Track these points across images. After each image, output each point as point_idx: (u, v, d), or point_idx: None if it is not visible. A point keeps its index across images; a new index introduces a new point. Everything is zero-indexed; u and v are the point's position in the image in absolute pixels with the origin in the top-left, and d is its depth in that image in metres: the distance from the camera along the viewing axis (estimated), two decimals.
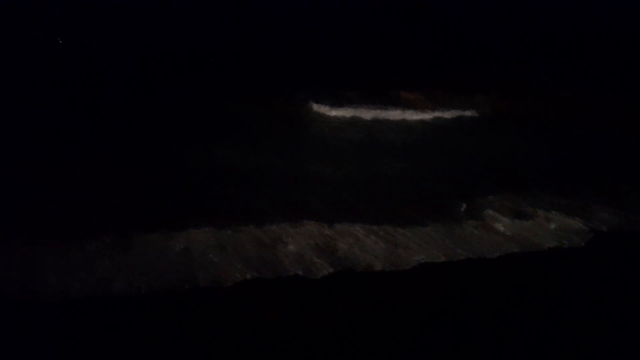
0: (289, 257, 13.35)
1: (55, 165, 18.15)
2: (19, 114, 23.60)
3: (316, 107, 25.23)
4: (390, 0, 58.46)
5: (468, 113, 25.91)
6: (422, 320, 11.57)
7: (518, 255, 14.20)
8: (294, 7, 51.94)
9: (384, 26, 48.15)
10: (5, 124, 22.27)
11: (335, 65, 32.63)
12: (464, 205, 16.46)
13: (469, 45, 42.33)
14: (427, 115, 25.33)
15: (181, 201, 16.17)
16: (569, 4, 58.45)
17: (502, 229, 15.32)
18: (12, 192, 16.27)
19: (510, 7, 56.54)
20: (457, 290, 12.69)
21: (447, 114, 25.63)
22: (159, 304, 11.65)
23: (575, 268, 13.94)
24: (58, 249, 13.23)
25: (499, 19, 52.93)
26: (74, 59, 31.21)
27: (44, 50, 32.07)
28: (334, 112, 24.88)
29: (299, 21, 47.13)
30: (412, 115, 25.18)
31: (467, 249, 14.17)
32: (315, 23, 47.28)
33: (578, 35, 48.19)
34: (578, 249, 14.65)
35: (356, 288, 12.45)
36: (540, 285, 13.07)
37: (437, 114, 25.58)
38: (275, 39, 39.72)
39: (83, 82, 28.25)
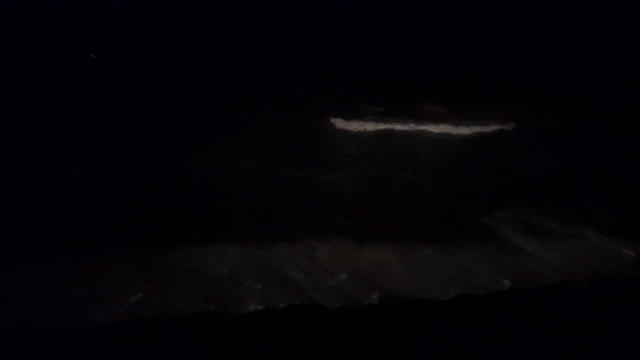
0: (325, 282, 12.54)
1: (68, 180, 17.63)
2: (19, 114, 23.23)
3: (338, 121, 24.53)
4: (392, 2, 58.13)
5: (490, 126, 25.33)
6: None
7: (560, 285, 13.08)
8: (304, 14, 51.44)
9: (396, 32, 47.75)
10: (5, 124, 21.90)
11: (353, 76, 31.67)
12: (497, 225, 15.71)
13: (469, 46, 42.16)
14: (450, 129, 24.80)
15: (203, 216, 15.54)
16: (569, 4, 58.31)
17: (541, 253, 14.29)
18: (18, 208, 15.75)
19: (510, 7, 56.37)
20: (499, 326, 11.79)
21: (469, 127, 25.07)
22: (182, 329, 11.02)
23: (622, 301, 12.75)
24: (76, 270, 12.57)
25: (499, 19, 52.76)
26: (74, 59, 30.70)
27: (44, 50, 31.52)
28: (357, 126, 24.32)
29: (313, 31, 46.61)
30: (435, 129, 24.70)
31: (507, 277, 13.15)
32: (327, 30, 46.77)
33: (578, 35, 48.11)
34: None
35: (403, 320, 11.63)
36: (592, 322, 12.09)
37: (459, 127, 25.01)
38: (290, 50, 39.00)
39: (83, 82, 27.87)
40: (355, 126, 24.33)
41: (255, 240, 14.08)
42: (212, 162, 19.44)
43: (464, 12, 55.18)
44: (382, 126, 24.47)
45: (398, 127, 24.52)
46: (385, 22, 49.07)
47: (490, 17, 54.11)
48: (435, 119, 25.47)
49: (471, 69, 34.94)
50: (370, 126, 24.39)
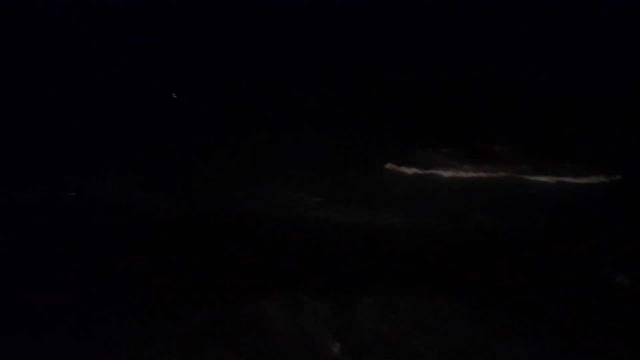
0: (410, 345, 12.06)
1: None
2: (19, 114, 23.33)
3: (400, 168, 22.77)
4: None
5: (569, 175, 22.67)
6: None
7: None
8: (304, 14, 51.27)
9: (396, 32, 47.59)
10: (5, 124, 22.00)
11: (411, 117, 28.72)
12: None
13: (469, 46, 42.12)
14: (525, 176, 22.53)
15: (276, 265, 15.42)
16: (569, 4, 58.31)
17: None
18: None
19: (510, 7, 56.42)
20: None
21: (542, 174, 22.57)
22: None
23: None
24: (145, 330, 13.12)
25: (499, 19, 52.74)
26: (74, 59, 30.76)
27: (44, 50, 31.59)
28: (422, 171, 22.55)
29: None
30: (509, 176, 22.48)
31: None
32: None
33: (578, 35, 48.06)
34: None
35: None
36: None
37: (529, 171, 22.71)
38: None
39: (83, 82, 27.96)
40: (427, 173, 22.60)
41: (345, 292, 13.91)
42: (276, 210, 19.27)
43: (464, 12, 55.24)
44: (452, 174, 22.50)
45: (470, 174, 22.55)
46: (385, 22, 49.07)
47: (490, 17, 54.15)
48: (506, 163, 23.33)
49: (471, 69, 34.91)
50: (447, 173, 22.52)
